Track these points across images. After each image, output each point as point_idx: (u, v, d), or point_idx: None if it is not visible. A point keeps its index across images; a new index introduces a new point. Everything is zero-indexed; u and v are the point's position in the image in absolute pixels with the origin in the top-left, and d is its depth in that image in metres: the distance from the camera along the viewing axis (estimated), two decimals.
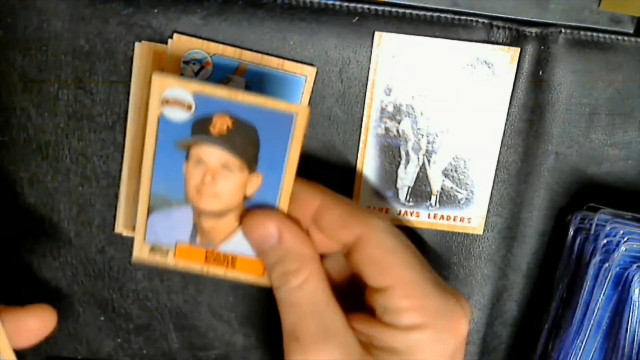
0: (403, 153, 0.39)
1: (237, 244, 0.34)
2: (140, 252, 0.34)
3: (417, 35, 0.37)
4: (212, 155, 0.32)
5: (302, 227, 0.34)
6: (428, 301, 0.32)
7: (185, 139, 0.32)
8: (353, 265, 0.33)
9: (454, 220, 0.41)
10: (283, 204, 0.33)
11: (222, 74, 0.36)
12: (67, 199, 0.39)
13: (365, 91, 0.38)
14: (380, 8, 0.37)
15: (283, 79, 0.37)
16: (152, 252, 0.34)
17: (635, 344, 0.38)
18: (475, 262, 0.42)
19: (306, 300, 0.32)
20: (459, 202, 0.40)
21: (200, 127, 0.31)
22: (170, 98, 0.31)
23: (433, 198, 0.40)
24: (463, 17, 0.38)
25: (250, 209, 0.33)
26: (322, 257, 0.34)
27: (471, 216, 0.41)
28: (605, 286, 0.38)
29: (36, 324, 0.31)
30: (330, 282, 0.33)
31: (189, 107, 0.31)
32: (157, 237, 0.34)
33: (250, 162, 0.32)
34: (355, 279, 0.35)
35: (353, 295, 0.35)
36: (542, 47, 0.38)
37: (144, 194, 0.33)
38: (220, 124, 0.31)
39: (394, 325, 0.32)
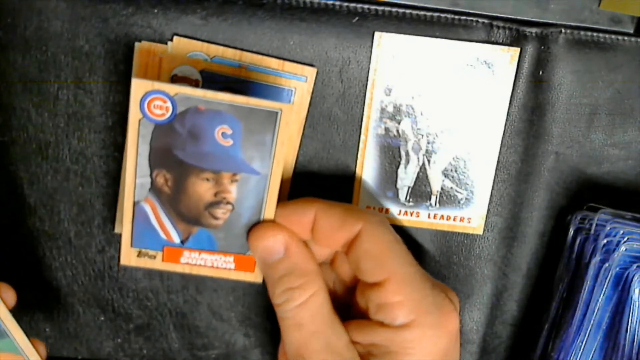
0: (403, 153, 0.39)
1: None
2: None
3: (417, 35, 0.37)
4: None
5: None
6: (420, 297, 0.32)
7: None
8: (351, 261, 0.33)
9: (454, 220, 0.41)
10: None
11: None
12: (67, 199, 0.39)
13: (365, 91, 0.38)
14: (380, 8, 0.37)
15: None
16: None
17: (635, 344, 0.38)
18: (475, 262, 0.42)
19: (310, 318, 0.32)
20: (459, 202, 0.40)
21: None
22: (180, 75, 0.31)
23: (433, 198, 0.40)
24: (463, 17, 0.38)
25: (259, 223, 0.33)
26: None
27: (471, 216, 0.41)
28: (605, 286, 0.38)
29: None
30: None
31: (196, 84, 0.31)
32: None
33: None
34: (341, 288, 0.36)
35: (340, 305, 0.36)
36: (542, 47, 0.38)
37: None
38: None
39: (387, 325, 0.32)
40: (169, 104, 0.31)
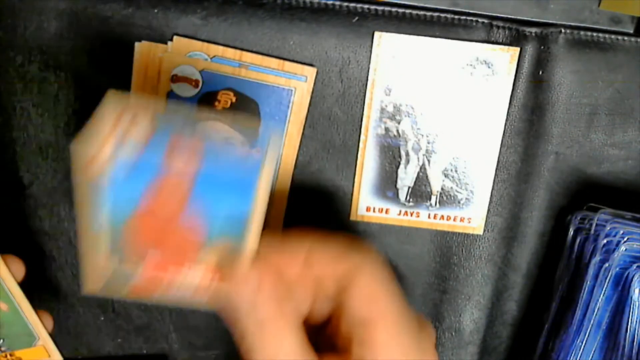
0: (403, 153, 0.39)
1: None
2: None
3: (417, 35, 0.37)
4: (215, 130, 0.33)
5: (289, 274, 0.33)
6: (407, 340, 0.32)
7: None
8: (340, 297, 0.33)
9: (454, 220, 0.41)
10: (281, 181, 0.33)
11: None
12: (67, 199, 0.39)
13: (365, 91, 0.38)
14: (380, 8, 0.37)
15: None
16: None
17: (635, 344, 0.38)
18: (475, 262, 0.42)
19: (283, 354, 0.32)
20: (459, 202, 0.40)
21: (206, 103, 0.32)
22: (180, 75, 0.31)
23: (433, 198, 0.40)
24: (463, 17, 0.38)
25: (227, 270, 0.31)
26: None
27: (471, 216, 0.41)
28: (605, 286, 0.38)
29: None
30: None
31: (196, 84, 0.31)
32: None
33: (252, 137, 0.32)
34: (321, 304, 0.35)
35: (316, 323, 0.35)
36: (542, 47, 0.38)
37: None
38: (225, 99, 0.32)
39: None
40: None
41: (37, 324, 0.35)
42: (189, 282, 0.30)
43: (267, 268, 0.32)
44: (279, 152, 0.31)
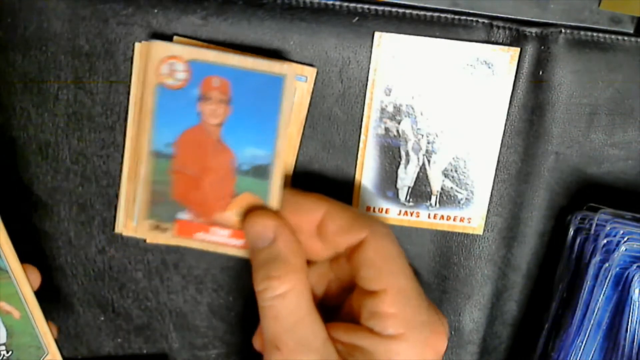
0: (403, 153, 0.39)
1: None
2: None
3: (417, 35, 0.37)
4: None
5: (300, 237, 0.34)
6: (414, 312, 0.32)
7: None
8: (351, 266, 0.33)
9: (454, 220, 0.41)
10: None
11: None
12: (67, 199, 0.39)
13: (365, 91, 0.38)
14: (380, 8, 0.37)
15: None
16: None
17: (635, 344, 0.38)
18: (475, 262, 0.42)
19: (287, 312, 0.32)
20: (459, 202, 0.40)
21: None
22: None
23: (433, 198, 0.40)
24: (463, 17, 0.38)
25: (255, 208, 0.34)
26: (309, 263, 0.34)
27: (471, 216, 0.41)
28: (605, 286, 0.38)
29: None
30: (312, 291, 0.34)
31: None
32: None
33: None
34: (336, 287, 0.36)
35: (332, 305, 0.36)
36: (542, 47, 0.38)
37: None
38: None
39: (376, 333, 0.32)
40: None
41: (47, 335, 0.36)
42: (224, 222, 0.34)
43: (280, 222, 0.33)
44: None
